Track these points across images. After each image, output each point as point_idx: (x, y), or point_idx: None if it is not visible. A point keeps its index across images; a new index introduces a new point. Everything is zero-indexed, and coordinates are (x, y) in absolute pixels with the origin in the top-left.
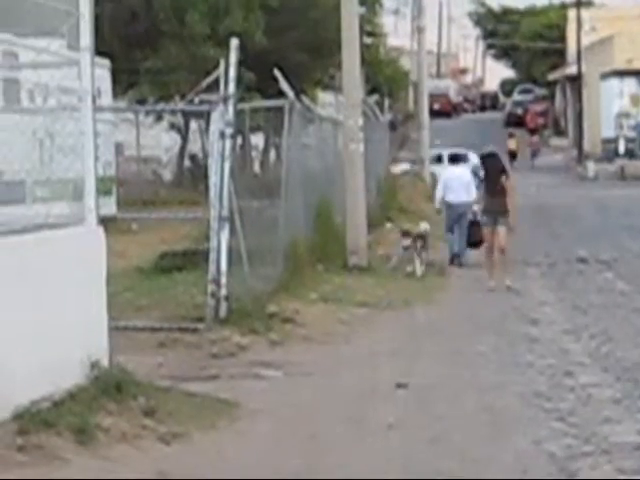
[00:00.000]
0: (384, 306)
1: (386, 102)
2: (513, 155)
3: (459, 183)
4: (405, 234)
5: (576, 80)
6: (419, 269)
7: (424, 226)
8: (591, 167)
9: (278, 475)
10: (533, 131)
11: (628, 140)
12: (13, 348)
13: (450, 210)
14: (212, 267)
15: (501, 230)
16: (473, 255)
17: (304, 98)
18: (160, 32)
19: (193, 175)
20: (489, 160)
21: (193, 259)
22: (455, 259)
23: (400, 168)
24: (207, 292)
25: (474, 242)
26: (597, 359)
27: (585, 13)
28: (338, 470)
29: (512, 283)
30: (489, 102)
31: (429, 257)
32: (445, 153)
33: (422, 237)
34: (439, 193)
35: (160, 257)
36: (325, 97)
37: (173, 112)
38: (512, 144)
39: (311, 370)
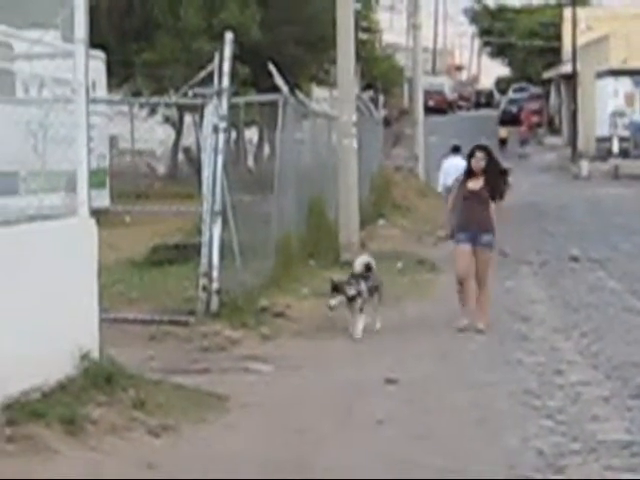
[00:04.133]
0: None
1: (381, 98)
2: (503, 142)
3: (455, 169)
4: (335, 289)
5: (571, 79)
6: (359, 327)
7: (362, 260)
8: (585, 166)
9: (267, 469)
10: (529, 128)
11: (622, 139)
12: (3, 337)
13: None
14: (204, 261)
15: (484, 255)
16: None
17: (298, 93)
18: (155, 25)
19: (187, 169)
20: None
21: (185, 252)
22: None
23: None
24: (199, 285)
25: None
26: (587, 357)
27: (581, 12)
28: (326, 464)
29: (486, 326)
30: (484, 100)
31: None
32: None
33: (362, 278)
34: (440, 179)
35: (152, 250)
36: (319, 92)
37: (167, 105)
38: (503, 133)
39: (301, 364)
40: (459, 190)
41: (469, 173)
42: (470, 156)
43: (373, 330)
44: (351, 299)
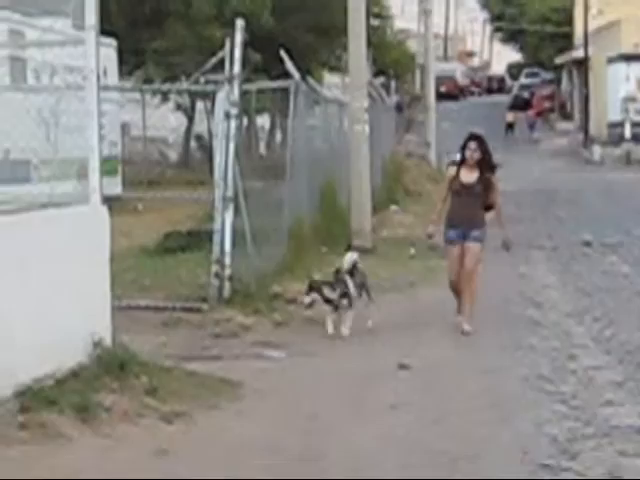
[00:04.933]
0: (388, 287)
1: (392, 84)
2: (511, 126)
3: None
4: (312, 288)
5: (583, 64)
6: (331, 326)
7: (349, 258)
8: (597, 151)
9: (280, 455)
10: (539, 114)
11: (634, 124)
12: (16, 325)
13: None
14: (216, 248)
15: (473, 248)
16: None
17: (310, 79)
18: (167, 12)
19: (199, 155)
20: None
21: (198, 239)
22: None
23: None
24: (211, 272)
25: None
26: (600, 342)
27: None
28: (339, 451)
29: (470, 327)
30: (496, 85)
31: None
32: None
33: (349, 276)
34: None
35: (165, 237)
36: (331, 79)
37: (179, 92)
38: (510, 117)
39: (314, 351)
40: (451, 181)
41: (462, 164)
42: (464, 147)
43: (365, 328)
44: (337, 300)
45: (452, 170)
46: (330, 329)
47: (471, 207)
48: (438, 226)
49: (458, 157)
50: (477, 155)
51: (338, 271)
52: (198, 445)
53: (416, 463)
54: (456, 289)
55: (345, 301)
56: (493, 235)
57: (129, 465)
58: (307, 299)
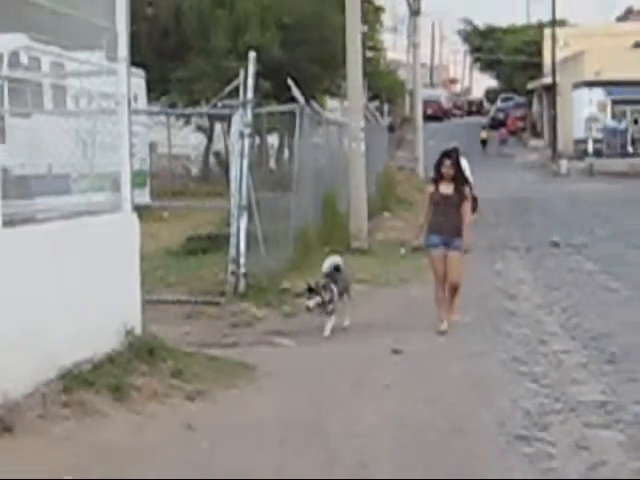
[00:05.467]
0: (383, 283)
1: (385, 108)
2: (484, 142)
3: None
4: (312, 290)
5: (551, 89)
6: (332, 324)
7: (332, 262)
8: (564, 164)
9: (290, 429)
10: (513, 132)
11: (596, 141)
12: (59, 317)
13: None
14: (232, 249)
15: (455, 257)
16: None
17: (313, 104)
18: (188, 46)
19: (217, 170)
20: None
21: (216, 242)
22: None
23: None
24: (228, 270)
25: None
26: (567, 329)
27: (559, 31)
28: (341, 424)
29: (461, 318)
30: (475, 108)
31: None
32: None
33: (332, 279)
34: None
35: (187, 240)
36: (332, 103)
37: (199, 115)
38: (484, 134)
39: (319, 339)
40: (432, 195)
41: (440, 179)
42: (439, 164)
43: (341, 327)
44: (325, 302)
45: (431, 187)
46: (327, 330)
47: (451, 216)
48: (422, 237)
49: (434, 174)
50: (452, 171)
51: (338, 268)
52: (219, 420)
53: (408, 436)
54: (441, 288)
55: (329, 307)
56: (475, 238)
57: (158, 439)
58: (311, 303)
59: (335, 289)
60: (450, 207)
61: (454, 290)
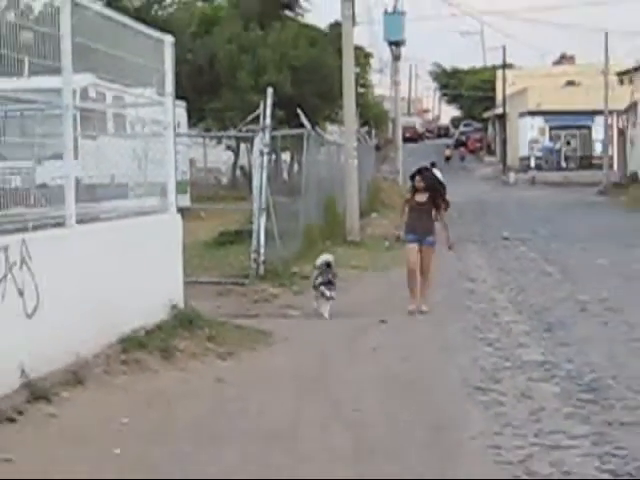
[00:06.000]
0: (369, 268)
1: (373, 132)
2: (448, 158)
3: None
4: (330, 283)
5: (502, 118)
6: (326, 310)
7: (325, 258)
8: (512, 176)
9: (300, 378)
10: (472, 151)
11: (537, 158)
12: (120, 294)
13: None
14: (254, 242)
15: (428, 250)
16: None
17: (317, 129)
18: (220, 83)
19: (242, 180)
20: (424, 175)
21: (241, 236)
22: None
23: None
24: (251, 258)
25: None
26: (514, 304)
27: (508, 72)
28: (338, 377)
29: (429, 308)
30: (443, 132)
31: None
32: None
33: (325, 273)
34: None
35: (219, 235)
36: (331, 127)
37: (228, 137)
38: (448, 152)
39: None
40: (409, 202)
41: (415, 190)
42: (412, 178)
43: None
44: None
45: (409, 195)
46: (326, 313)
47: (424, 219)
48: (401, 230)
49: (410, 186)
50: (422, 184)
51: (329, 265)
52: (244, 374)
53: (390, 385)
54: (414, 276)
55: (327, 293)
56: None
57: (197, 388)
58: (333, 293)
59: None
60: (423, 212)
61: (426, 276)
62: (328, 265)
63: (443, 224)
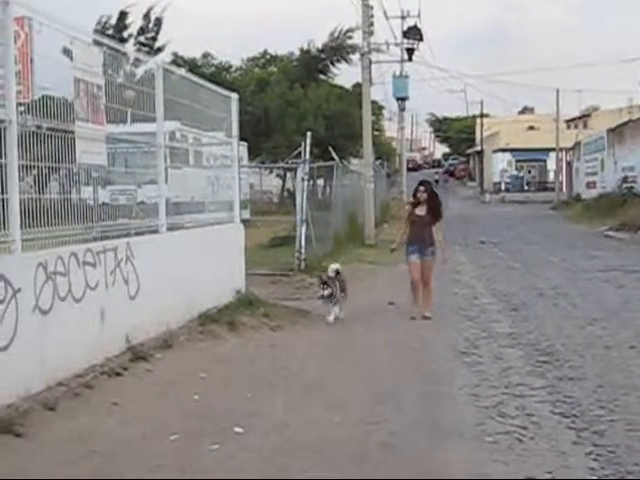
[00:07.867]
0: (382, 264)
1: (385, 163)
2: (437, 181)
3: None
4: (325, 283)
5: (480, 153)
6: (335, 314)
7: (334, 267)
8: (487, 196)
9: (331, 345)
10: (458, 178)
11: (506, 183)
12: (200, 282)
13: None
14: (297, 244)
15: (429, 262)
16: None
17: (344, 161)
18: (272, 128)
19: (288, 199)
20: (426, 187)
21: (288, 240)
22: None
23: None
24: (294, 256)
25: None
26: (489, 291)
27: (485, 120)
28: (360, 342)
29: (431, 313)
30: (436, 164)
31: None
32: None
33: (335, 280)
34: None
35: (271, 239)
36: (354, 161)
37: (278, 168)
38: (436, 176)
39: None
40: (409, 215)
41: (416, 203)
42: (415, 191)
43: (339, 318)
44: (332, 294)
45: (409, 208)
46: (331, 317)
47: (424, 232)
48: (401, 243)
49: (411, 199)
50: (425, 196)
51: (338, 272)
52: (290, 341)
53: (396, 349)
54: (417, 287)
55: (335, 298)
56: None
57: (256, 351)
58: (326, 292)
59: (338, 286)
60: (423, 225)
61: (428, 287)
62: (337, 272)
63: (440, 244)
